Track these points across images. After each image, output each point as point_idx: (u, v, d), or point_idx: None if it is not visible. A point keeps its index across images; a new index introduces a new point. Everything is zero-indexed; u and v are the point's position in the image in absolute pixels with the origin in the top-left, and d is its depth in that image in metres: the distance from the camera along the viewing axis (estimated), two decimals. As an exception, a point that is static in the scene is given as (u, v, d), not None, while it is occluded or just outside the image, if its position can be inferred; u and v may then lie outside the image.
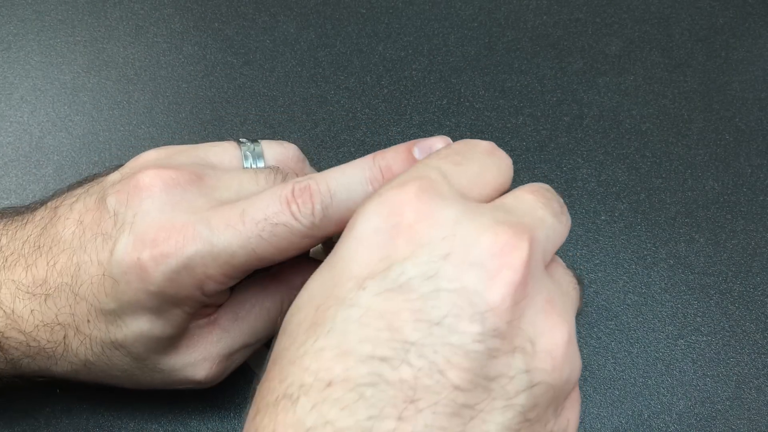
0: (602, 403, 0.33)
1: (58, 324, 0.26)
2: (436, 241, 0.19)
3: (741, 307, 0.35)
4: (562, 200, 0.24)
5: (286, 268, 0.28)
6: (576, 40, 0.44)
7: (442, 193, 0.20)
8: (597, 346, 0.35)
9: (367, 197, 0.22)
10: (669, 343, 0.35)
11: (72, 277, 0.26)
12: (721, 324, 0.35)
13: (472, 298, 0.19)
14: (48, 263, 0.26)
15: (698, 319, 0.35)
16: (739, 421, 0.33)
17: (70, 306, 0.26)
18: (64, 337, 0.26)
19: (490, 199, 0.23)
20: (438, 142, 0.25)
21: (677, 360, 0.34)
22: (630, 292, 0.36)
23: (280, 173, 0.28)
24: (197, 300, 0.26)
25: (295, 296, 0.23)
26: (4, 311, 0.26)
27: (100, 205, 0.26)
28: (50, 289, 0.26)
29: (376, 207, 0.20)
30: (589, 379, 0.34)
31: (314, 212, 0.24)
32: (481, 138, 0.40)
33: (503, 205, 0.22)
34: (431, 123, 0.41)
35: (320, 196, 0.24)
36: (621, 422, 0.33)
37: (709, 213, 0.38)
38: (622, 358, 0.34)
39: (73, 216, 0.26)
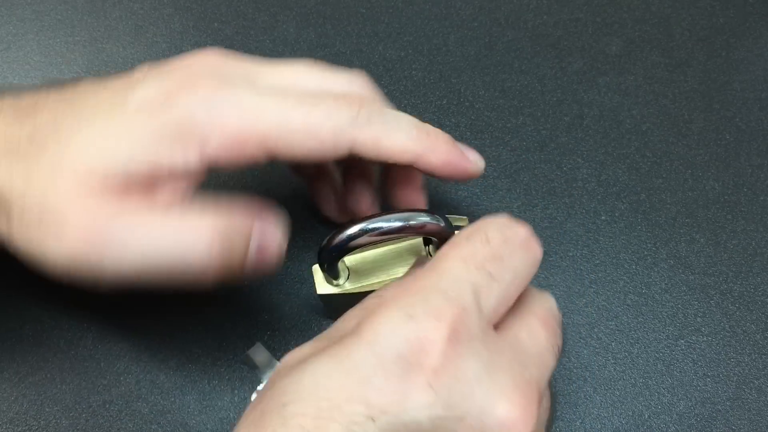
0: (602, 403, 0.33)
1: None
2: (456, 398, 0.20)
3: (741, 307, 0.35)
4: (561, 328, 0.25)
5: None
6: (576, 40, 0.43)
7: (471, 335, 0.21)
8: (597, 346, 0.35)
9: (400, 309, 0.21)
10: (669, 343, 0.34)
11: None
12: (722, 324, 0.35)
13: None
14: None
15: (699, 319, 0.35)
16: (739, 422, 0.33)
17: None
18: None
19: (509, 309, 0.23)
20: (472, 156, 0.27)
21: (678, 360, 0.34)
22: (630, 292, 0.36)
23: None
24: (189, 155, 0.25)
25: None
26: None
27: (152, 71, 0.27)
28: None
29: (405, 332, 0.20)
30: (590, 380, 0.34)
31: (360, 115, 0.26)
32: (481, 138, 0.40)
33: (519, 348, 0.22)
34: (431, 123, 0.40)
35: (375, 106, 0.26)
36: (621, 422, 0.33)
37: (710, 213, 0.38)
38: (623, 358, 0.34)
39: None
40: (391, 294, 0.22)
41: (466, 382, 0.20)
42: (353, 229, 0.26)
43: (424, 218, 0.27)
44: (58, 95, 0.27)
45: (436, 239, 0.28)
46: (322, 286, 0.31)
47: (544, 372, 0.23)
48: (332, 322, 0.25)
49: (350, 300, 0.30)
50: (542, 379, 0.22)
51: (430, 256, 0.31)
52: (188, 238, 0.25)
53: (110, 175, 0.24)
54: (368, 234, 0.26)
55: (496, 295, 0.22)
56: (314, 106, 0.26)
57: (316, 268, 0.31)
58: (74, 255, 0.24)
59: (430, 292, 0.21)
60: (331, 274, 0.29)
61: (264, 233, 0.26)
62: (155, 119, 0.24)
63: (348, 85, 0.28)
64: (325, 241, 0.27)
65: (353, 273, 0.31)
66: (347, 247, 0.27)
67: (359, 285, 0.30)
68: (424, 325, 0.20)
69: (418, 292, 0.21)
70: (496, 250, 0.23)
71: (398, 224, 0.26)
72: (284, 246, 0.27)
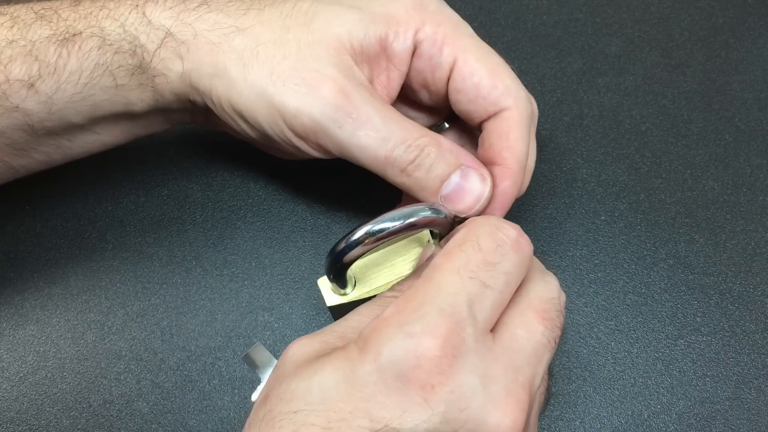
0: (602, 403, 0.33)
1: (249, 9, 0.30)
2: (453, 413, 0.21)
3: (741, 307, 0.35)
4: (563, 310, 0.26)
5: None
6: (576, 40, 0.44)
7: (466, 348, 0.22)
8: (596, 345, 0.35)
9: (400, 327, 0.22)
10: (669, 343, 0.35)
11: None
12: (721, 324, 0.35)
13: None
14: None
15: (698, 319, 0.35)
16: (738, 422, 0.33)
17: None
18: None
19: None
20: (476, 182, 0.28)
21: (677, 360, 0.34)
22: (629, 291, 0.36)
23: None
24: (408, 32, 0.29)
25: (436, 143, 0.28)
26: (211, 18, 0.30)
27: None
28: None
29: (404, 349, 0.22)
30: (589, 379, 0.34)
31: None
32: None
33: (514, 350, 0.23)
34: (431, 123, 0.41)
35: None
36: (621, 422, 0.33)
37: (709, 213, 0.38)
38: (622, 358, 0.34)
39: None
40: (392, 310, 0.23)
41: (461, 395, 0.21)
42: (359, 234, 0.26)
43: (425, 213, 0.27)
44: None
45: (439, 231, 0.29)
46: (331, 297, 0.30)
47: (539, 368, 0.24)
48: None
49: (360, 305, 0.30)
50: (537, 376, 0.23)
51: (436, 244, 0.31)
52: (400, 136, 0.28)
53: (352, 45, 0.29)
54: (374, 237, 0.26)
55: (490, 302, 0.23)
56: (511, 77, 0.30)
57: (322, 281, 0.30)
58: (324, 112, 0.28)
59: (426, 309, 0.22)
60: (340, 284, 0.29)
61: (468, 177, 0.28)
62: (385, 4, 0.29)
63: None
64: (331, 252, 0.27)
65: (358, 278, 0.30)
66: (355, 254, 0.27)
67: (368, 290, 0.30)
68: (421, 341, 0.21)
69: (416, 309, 0.22)
70: (488, 256, 0.24)
71: (402, 222, 0.26)
72: (484, 198, 0.28)
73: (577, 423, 0.33)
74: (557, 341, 0.25)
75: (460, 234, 0.25)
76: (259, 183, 0.39)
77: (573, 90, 0.42)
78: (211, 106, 0.30)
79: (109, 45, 0.29)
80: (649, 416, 0.33)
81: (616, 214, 0.38)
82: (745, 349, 0.34)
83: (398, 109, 0.30)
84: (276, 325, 0.35)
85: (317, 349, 0.24)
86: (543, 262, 0.37)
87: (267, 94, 0.28)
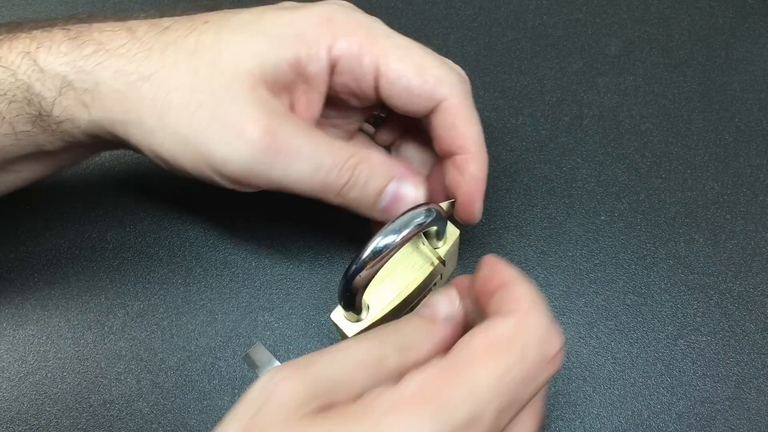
0: (602, 403, 0.33)
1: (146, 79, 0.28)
2: None
3: (740, 307, 0.35)
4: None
5: (373, 148, 0.31)
6: (576, 40, 0.44)
7: None
8: (597, 346, 0.35)
9: (423, 417, 0.20)
10: (669, 343, 0.35)
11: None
12: (721, 324, 0.35)
13: None
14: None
15: (698, 319, 0.35)
16: (738, 422, 0.33)
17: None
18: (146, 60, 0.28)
19: None
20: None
21: (677, 360, 0.34)
22: (629, 291, 0.36)
23: None
24: (321, 51, 0.28)
25: (367, 160, 0.28)
26: (115, 70, 0.28)
27: None
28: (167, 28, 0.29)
29: None
30: (589, 379, 0.34)
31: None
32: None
33: None
34: (431, 123, 0.41)
35: None
36: (621, 422, 0.33)
37: (709, 213, 0.38)
38: (622, 358, 0.34)
39: None
40: (413, 393, 0.21)
41: None
42: (366, 254, 0.26)
43: (420, 219, 0.27)
44: (196, 18, 0.30)
45: (437, 228, 0.29)
46: (350, 327, 0.29)
47: None
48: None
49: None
50: None
51: (440, 261, 0.30)
52: (331, 161, 0.28)
53: (264, 77, 0.28)
54: (382, 254, 0.26)
55: (513, 413, 0.22)
56: (430, 54, 0.29)
57: (336, 316, 0.29)
58: (253, 155, 0.27)
59: (458, 406, 0.20)
60: (356, 311, 0.28)
61: (401, 186, 0.29)
62: (295, 13, 0.28)
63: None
64: (344, 282, 0.27)
65: (367, 299, 0.30)
66: (368, 276, 0.26)
67: (382, 307, 0.29)
68: None
69: (447, 401, 0.21)
70: (529, 371, 0.22)
71: (405, 232, 0.26)
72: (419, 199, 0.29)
73: (577, 423, 0.33)
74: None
75: (509, 329, 0.22)
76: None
77: (573, 90, 0.42)
78: (133, 149, 0.30)
79: (2, 95, 0.28)
80: (649, 416, 0.33)
81: (616, 214, 0.38)
82: (745, 349, 0.34)
83: (328, 115, 0.31)
84: (276, 325, 0.35)
85: (308, 396, 0.21)
86: (543, 262, 0.37)
87: (191, 144, 0.27)
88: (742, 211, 0.38)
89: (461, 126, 0.29)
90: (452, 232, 0.31)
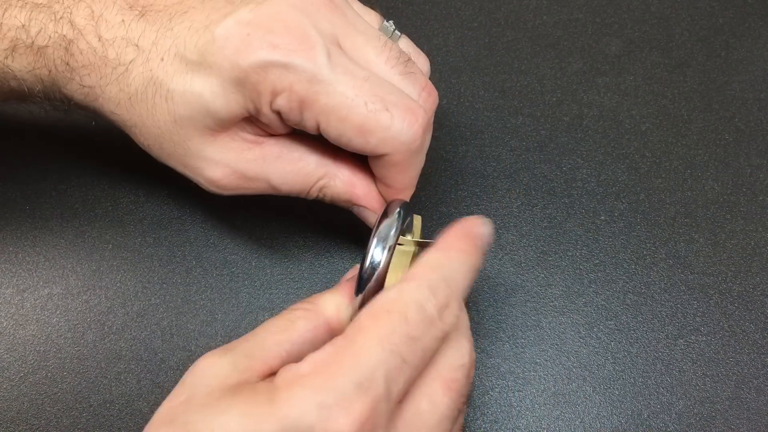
0: (602, 402, 0.33)
1: (136, 46, 0.28)
2: None
3: (740, 307, 0.35)
4: (472, 373, 0.26)
5: (342, 156, 0.30)
6: (576, 40, 0.44)
7: (377, 424, 0.22)
8: (596, 345, 0.35)
9: (315, 394, 0.22)
10: (668, 342, 0.35)
11: (174, 14, 0.28)
12: (721, 324, 0.35)
13: None
14: None
15: (698, 319, 0.35)
16: (738, 421, 0.33)
17: (157, 35, 0.28)
18: (131, 62, 0.28)
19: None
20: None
21: (677, 360, 0.34)
22: (630, 292, 0.36)
23: (401, 62, 0.29)
24: (262, 108, 0.27)
25: (332, 184, 0.30)
26: (92, 11, 0.28)
27: None
28: (150, 11, 0.28)
29: (316, 418, 0.21)
30: (589, 379, 0.34)
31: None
32: (481, 138, 0.40)
33: (418, 424, 0.23)
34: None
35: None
36: (621, 422, 0.33)
37: (709, 213, 0.38)
38: (622, 358, 0.34)
39: None
40: (308, 369, 0.22)
41: None
42: (366, 274, 0.27)
43: (392, 229, 0.27)
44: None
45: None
46: None
47: None
48: None
49: None
50: None
51: (417, 245, 0.31)
52: (299, 188, 0.30)
53: (220, 120, 0.28)
54: (377, 271, 0.27)
55: (405, 377, 0.23)
56: (383, 110, 0.27)
57: None
58: (222, 189, 0.30)
59: (343, 380, 0.22)
60: None
61: (362, 212, 0.31)
62: (233, 66, 0.26)
63: (415, 94, 0.29)
64: (359, 300, 0.27)
65: None
66: (374, 293, 0.27)
67: None
68: (334, 416, 0.21)
69: (333, 377, 0.22)
70: (413, 330, 0.23)
71: (389, 247, 0.27)
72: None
73: (577, 423, 0.33)
74: (465, 405, 0.25)
75: (391, 296, 0.24)
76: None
77: (573, 90, 0.42)
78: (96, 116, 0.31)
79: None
80: (649, 416, 0.33)
81: (616, 214, 0.38)
82: (744, 349, 0.34)
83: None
84: (276, 325, 0.35)
85: (227, 373, 0.23)
86: (543, 262, 0.37)
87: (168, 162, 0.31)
88: (742, 211, 0.38)
89: (397, 175, 0.29)
90: (416, 221, 0.32)
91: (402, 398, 0.23)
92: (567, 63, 0.43)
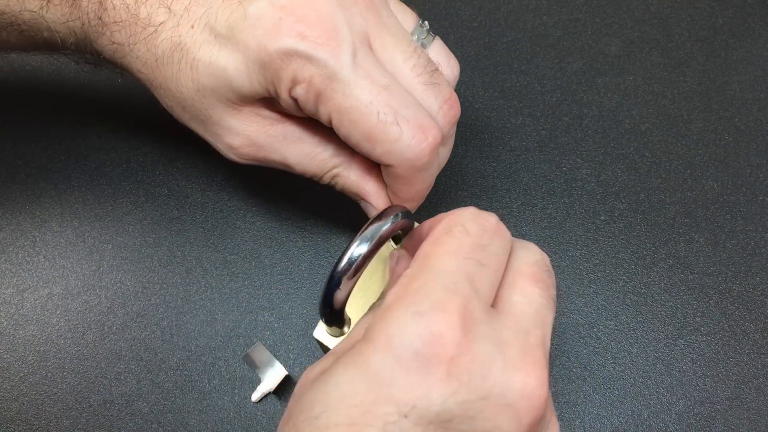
0: (602, 402, 0.33)
1: (168, 9, 0.28)
2: (477, 381, 0.21)
3: (740, 307, 0.35)
4: (551, 269, 0.26)
5: (361, 156, 0.30)
6: (576, 40, 0.44)
7: (476, 320, 0.22)
8: (596, 345, 0.35)
9: (407, 309, 0.22)
10: (668, 343, 0.35)
11: None
12: (721, 324, 0.35)
13: None
14: None
15: (698, 319, 0.35)
16: (738, 421, 0.33)
17: (191, 1, 0.28)
18: (161, 24, 0.28)
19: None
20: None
21: (677, 360, 0.34)
22: (629, 291, 0.36)
23: (428, 71, 0.29)
24: (281, 93, 0.27)
25: (345, 174, 0.30)
26: None
27: None
28: None
29: (417, 329, 0.21)
30: (589, 379, 0.34)
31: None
32: (481, 138, 0.40)
33: (518, 316, 0.24)
34: (431, 123, 0.41)
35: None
36: (621, 422, 0.33)
37: (709, 213, 0.38)
38: (622, 357, 0.34)
39: None
40: (392, 297, 0.23)
41: (482, 364, 0.21)
42: (342, 265, 0.26)
43: (389, 225, 0.27)
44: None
45: (401, 233, 0.29)
46: (334, 343, 0.30)
47: (545, 329, 0.24)
48: None
49: None
50: (545, 337, 0.24)
51: (397, 249, 0.31)
52: (313, 171, 0.31)
53: (243, 96, 0.28)
54: (356, 266, 0.26)
55: (487, 279, 0.23)
56: (393, 123, 0.27)
57: (319, 333, 0.30)
58: (241, 158, 0.30)
59: (431, 288, 0.22)
60: (339, 324, 0.29)
61: (368, 208, 0.32)
62: (260, 47, 0.27)
63: (436, 106, 0.29)
64: (324, 300, 0.27)
65: (348, 313, 0.30)
66: (346, 290, 0.26)
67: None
68: (433, 318, 0.21)
69: (419, 290, 0.22)
70: (477, 239, 0.24)
71: (376, 239, 0.26)
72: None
73: (577, 423, 0.33)
74: (555, 299, 0.25)
75: (444, 222, 0.25)
76: (259, 183, 0.39)
77: (573, 90, 0.42)
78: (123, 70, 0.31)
79: None
80: (649, 416, 0.33)
81: (615, 214, 0.38)
82: (744, 349, 0.34)
83: None
84: (276, 325, 0.35)
85: (328, 364, 0.24)
86: (543, 262, 0.37)
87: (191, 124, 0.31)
88: (742, 211, 0.38)
89: (401, 186, 0.29)
90: None
91: (493, 301, 0.24)
92: (567, 63, 0.43)
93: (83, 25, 0.30)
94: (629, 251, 0.37)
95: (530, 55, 0.43)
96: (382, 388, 0.21)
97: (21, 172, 0.39)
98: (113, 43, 0.30)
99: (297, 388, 0.24)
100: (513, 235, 0.37)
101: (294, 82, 0.27)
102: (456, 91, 0.42)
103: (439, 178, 0.39)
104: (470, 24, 0.44)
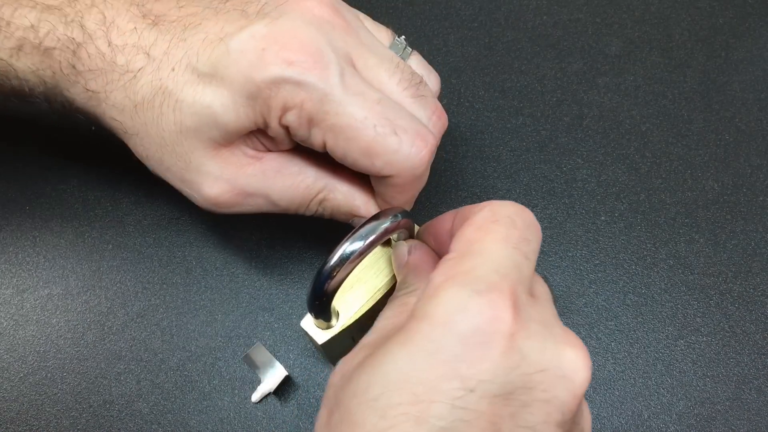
0: (602, 403, 0.33)
1: (147, 54, 0.28)
2: (535, 355, 0.22)
3: (741, 307, 0.35)
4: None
5: (340, 169, 0.30)
6: (576, 40, 0.44)
7: (524, 302, 0.23)
8: (597, 346, 0.35)
9: (464, 287, 0.22)
10: (669, 343, 0.35)
11: (187, 25, 0.28)
12: (721, 324, 0.35)
13: (563, 408, 0.22)
14: (176, 4, 0.29)
15: (698, 319, 0.35)
16: (738, 422, 0.33)
17: (170, 45, 0.28)
18: (140, 70, 0.28)
19: None
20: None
21: (677, 360, 0.34)
22: (630, 292, 0.36)
23: (413, 84, 0.29)
24: (271, 122, 0.27)
25: (331, 197, 0.30)
26: (104, 17, 0.28)
27: None
28: (163, 21, 0.28)
29: (478, 306, 0.22)
30: (589, 380, 0.34)
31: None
32: (481, 138, 0.40)
33: (545, 304, 0.25)
34: (431, 123, 0.41)
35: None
36: (621, 422, 0.33)
37: (709, 213, 0.38)
38: (622, 358, 0.34)
39: None
40: (442, 278, 0.23)
41: (537, 340, 0.22)
42: (333, 261, 0.26)
43: (387, 224, 0.27)
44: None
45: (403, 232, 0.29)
46: (321, 335, 0.29)
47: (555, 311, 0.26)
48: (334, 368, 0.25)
49: (350, 334, 0.30)
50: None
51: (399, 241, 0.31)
52: (298, 201, 0.30)
53: (226, 134, 0.28)
54: (349, 260, 0.26)
55: (529, 270, 0.24)
56: (392, 134, 0.27)
57: (306, 323, 0.29)
58: (220, 205, 0.30)
59: (484, 271, 0.23)
60: (325, 317, 0.29)
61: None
62: (246, 79, 0.26)
63: (426, 118, 0.29)
64: (313, 290, 0.27)
65: (336, 306, 0.30)
66: (336, 282, 0.26)
67: (352, 313, 0.29)
68: (491, 297, 0.22)
69: (471, 271, 0.23)
70: (523, 233, 0.24)
71: (372, 238, 0.26)
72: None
73: (577, 423, 0.33)
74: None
75: (488, 211, 0.25)
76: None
77: (573, 90, 0.42)
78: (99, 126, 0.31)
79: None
80: (649, 416, 0.33)
81: (616, 215, 0.38)
82: (745, 350, 0.34)
83: None
84: (276, 325, 0.35)
85: (364, 356, 0.23)
86: (543, 262, 0.37)
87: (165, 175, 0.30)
88: (742, 211, 0.38)
89: (397, 194, 0.29)
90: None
91: (531, 292, 0.25)
92: (567, 63, 0.43)
93: (54, 74, 0.29)
94: (629, 251, 0.37)
95: (530, 55, 0.43)
96: (445, 365, 0.21)
97: (21, 172, 0.39)
98: (88, 90, 0.29)
99: (335, 380, 0.24)
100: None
101: (285, 110, 0.27)
102: (456, 91, 0.42)
103: (440, 178, 0.39)
104: (470, 24, 0.44)
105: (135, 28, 0.28)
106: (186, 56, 0.27)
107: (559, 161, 0.39)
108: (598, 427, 0.33)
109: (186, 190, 0.30)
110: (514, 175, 0.39)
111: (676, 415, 0.33)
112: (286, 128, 0.27)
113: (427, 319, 0.22)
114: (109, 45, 0.28)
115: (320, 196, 0.30)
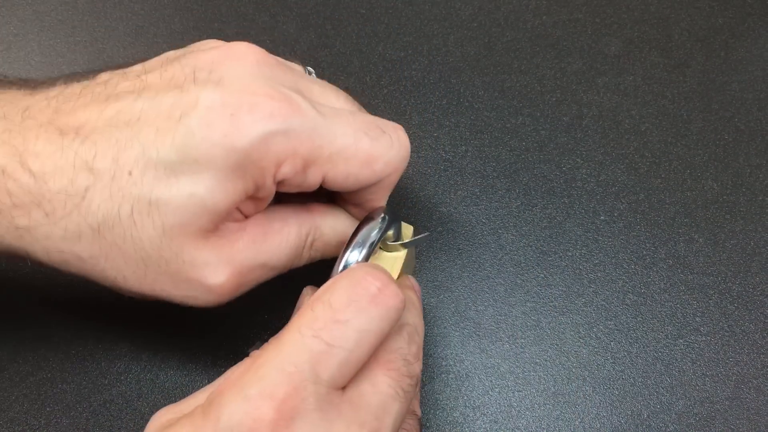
0: (601, 403, 0.33)
1: (90, 170, 0.24)
2: None
3: (740, 307, 0.35)
4: (416, 357, 0.26)
5: (311, 205, 0.29)
6: (576, 40, 0.44)
7: (306, 407, 0.22)
8: (596, 346, 0.35)
9: (239, 391, 0.22)
10: (668, 343, 0.35)
11: (123, 125, 0.24)
12: (720, 324, 0.35)
13: None
14: (98, 109, 0.25)
15: (697, 319, 0.35)
16: (738, 421, 0.33)
17: (116, 150, 0.24)
18: (87, 189, 0.24)
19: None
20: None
21: (676, 360, 0.34)
22: (629, 292, 0.36)
23: (351, 100, 0.30)
24: (265, 182, 0.25)
25: (319, 236, 0.29)
26: (13, 147, 0.24)
27: (171, 66, 0.26)
28: (91, 131, 0.24)
29: (241, 412, 0.21)
30: (589, 379, 0.34)
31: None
32: (480, 138, 0.40)
33: (359, 405, 0.23)
34: (431, 123, 0.41)
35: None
36: (620, 422, 0.33)
37: (708, 213, 0.38)
38: (622, 358, 0.34)
39: (131, 78, 0.26)
40: (237, 373, 0.23)
41: None
42: (338, 271, 0.26)
43: (378, 229, 0.27)
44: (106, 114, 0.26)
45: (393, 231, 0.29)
46: None
47: (386, 420, 0.23)
48: None
49: None
50: (384, 428, 0.23)
51: (404, 246, 0.31)
52: (289, 259, 0.29)
53: (214, 217, 0.25)
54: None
55: (337, 361, 0.22)
56: (382, 133, 0.27)
57: None
58: (223, 297, 0.28)
59: (266, 369, 0.22)
60: None
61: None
62: (227, 151, 0.24)
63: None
64: None
65: None
66: None
67: None
68: (257, 404, 0.21)
69: (257, 370, 0.22)
70: (338, 314, 0.23)
71: (369, 244, 0.27)
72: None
73: (577, 423, 0.33)
74: (410, 388, 0.25)
75: (320, 291, 0.24)
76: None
77: (573, 90, 0.42)
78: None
79: None
80: (648, 416, 0.33)
81: (615, 214, 0.38)
82: (744, 349, 0.34)
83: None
84: (276, 325, 0.35)
85: (174, 419, 0.24)
86: (543, 262, 0.37)
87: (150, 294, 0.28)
88: (741, 211, 0.38)
89: (381, 192, 0.29)
90: (407, 230, 0.32)
91: (347, 383, 0.23)
92: (567, 63, 0.43)
93: None
94: (629, 251, 0.37)
95: (530, 55, 0.43)
96: None
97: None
98: (18, 228, 0.25)
99: (147, 429, 0.24)
100: (512, 236, 0.37)
101: (279, 164, 0.25)
102: (456, 91, 0.42)
103: (440, 178, 0.39)
104: (470, 24, 0.44)
105: (60, 147, 0.24)
106: (143, 154, 0.24)
107: (559, 161, 0.40)
108: (598, 426, 0.33)
109: (183, 293, 0.27)
110: (513, 175, 0.39)
111: (675, 414, 0.33)
112: (280, 182, 0.26)
113: (206, 416, 0.22)
114: (32, 175, 0.24)
115: (309, 240, 0.29)
